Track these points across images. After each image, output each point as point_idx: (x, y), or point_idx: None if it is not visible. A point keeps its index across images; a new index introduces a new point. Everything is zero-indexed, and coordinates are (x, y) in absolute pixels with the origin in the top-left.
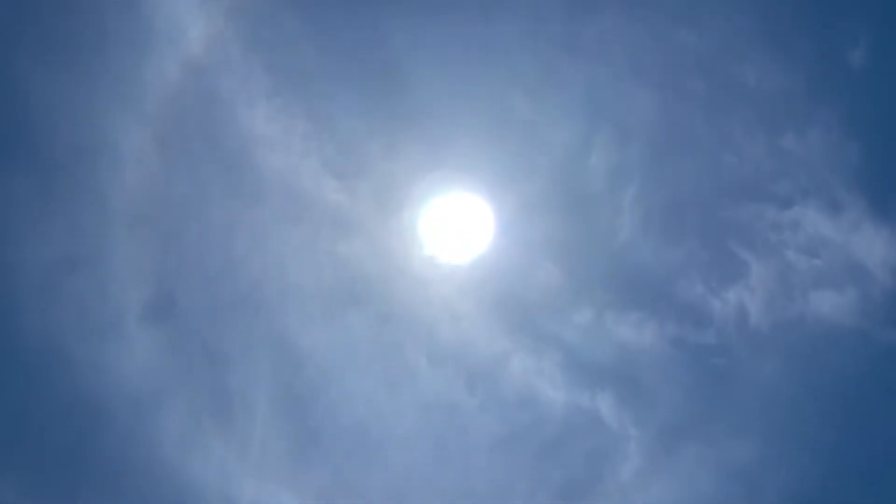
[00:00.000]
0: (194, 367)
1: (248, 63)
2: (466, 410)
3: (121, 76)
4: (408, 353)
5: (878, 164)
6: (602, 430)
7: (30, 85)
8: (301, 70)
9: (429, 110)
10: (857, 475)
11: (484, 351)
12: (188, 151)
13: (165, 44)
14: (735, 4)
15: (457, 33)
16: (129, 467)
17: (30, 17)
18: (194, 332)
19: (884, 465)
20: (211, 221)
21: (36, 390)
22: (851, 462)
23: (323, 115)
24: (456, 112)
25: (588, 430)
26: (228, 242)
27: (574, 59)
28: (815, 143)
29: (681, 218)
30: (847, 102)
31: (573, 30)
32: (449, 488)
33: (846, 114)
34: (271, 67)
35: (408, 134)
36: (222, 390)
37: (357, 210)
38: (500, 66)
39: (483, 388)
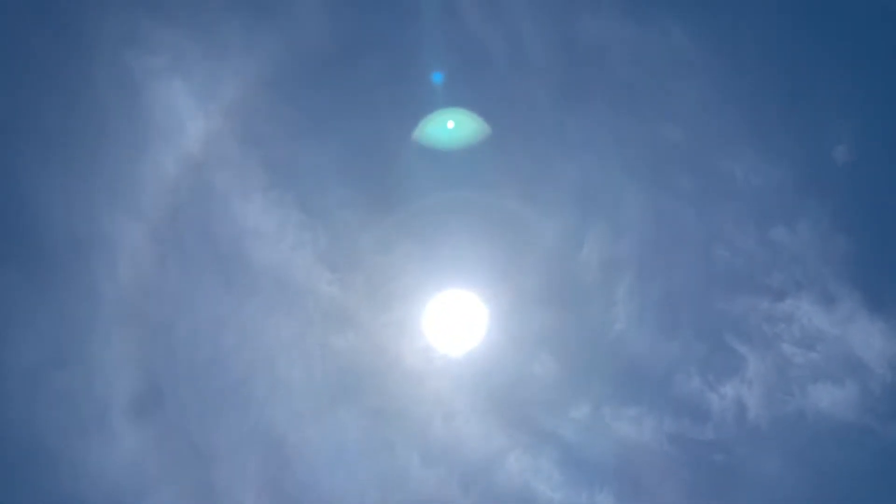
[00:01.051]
0: (180, 464)
1: (245, 158)
2: None
3: (118, 171)
4: (400, 450)
5: (868, 257)
6: None
7: (25, 178)
8: (297, 164)
9: (422, 204)
10: None
11: (478, 448)
12: (182, 245)
13: (164, 140)
14: (719, 102)
15: (452, 131)
16: None
17: (29, 111)
18: (181, 427)
19: None
20: (202, 315)
21: (19, 486)
22: None
23: (317, 207)
24: (449, 206)
25: None
26: (218, 336)
27: (563, 154)
28: (805, 237)
29: (675, 310)
30: (834, 196)
31: (562, 125)
32: None
33: (834, 207)
34: (268, 161)
35: (401, 227)
36: (208, 487)
37: (350, 303)
38: (491, 160)
39: (478, 488)
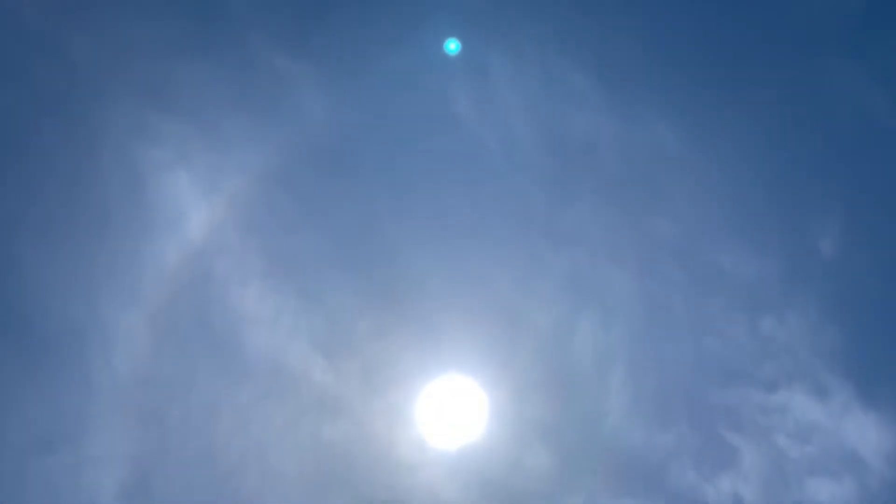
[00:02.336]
0: None
1: (244, 246)
2: None
3: (119, 259)
4: None
5: (858, 349)
6: None
7: (27, 264)
8: (294, 252)
9: (417, 293)
10: None
11: None
12: (178, 331)
13: (166, 228)
14: (706, 196)
15: (445, 220)
16: None
17: (36, 199)
18: None
19: None
20: (195, 402)
21: None
22: None
23: (313, 294)
24: (444, 294)
25: None
26: (211, 424)
27: (554, 246)
28: (794, 328)
29: (668, 401)
30: (821, 288)
31: (554, 218)
32: None
33: (821, 299)
34: (266, 250)
35: (396, 315)
36: None
37: (343, 391)
38: (486, 251)
39: None
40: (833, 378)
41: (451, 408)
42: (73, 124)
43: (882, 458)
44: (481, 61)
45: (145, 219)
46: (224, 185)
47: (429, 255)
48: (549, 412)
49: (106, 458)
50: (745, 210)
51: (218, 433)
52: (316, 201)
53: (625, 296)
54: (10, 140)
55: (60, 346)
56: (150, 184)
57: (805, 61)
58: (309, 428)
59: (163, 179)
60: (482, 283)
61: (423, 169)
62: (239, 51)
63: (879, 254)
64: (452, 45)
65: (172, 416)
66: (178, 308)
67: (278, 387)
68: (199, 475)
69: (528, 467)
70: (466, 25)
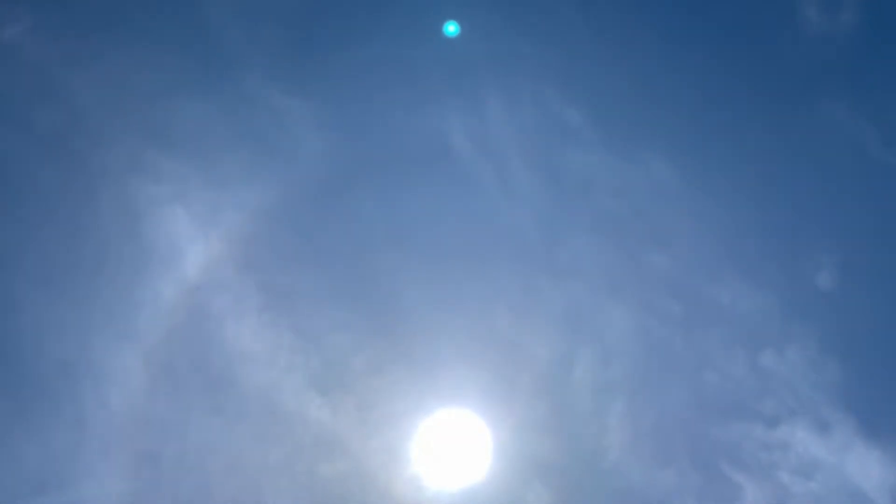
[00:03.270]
0: None
1: (242, 282)
2: None
3: (114, 297)
4: None
5: (859, 383)
6: None
7: (21, 302)
8: (291, 288)
9: (414, 328)
10: None
11: None
12: (173, 369)
13: (163, 265)
14: (702, 230)
15: (442, 255)
16: None
17: (31, 237)
18: None
19: None
20: (189, 442)
21: None
22: None
23: (309, 330)
24: (441, 330)
25: None
26: (205, 464)
27: (552, 281)
28: (794, 362)
29: (669, 437)
30: (820, 323)
31: (551, 253)
32: None
33: (821, 334)
34: (263, 286)
35: (393, 351)
36: None
37: (339, 428)
38: (482, 286)
39: None
40: (834, 412)
41: (448, 445)
42: (71, 163)
43: (886, 494)
44: (477, 97)
45: (142, 256)
46: (221, 222)
47: (426, 290)
48: (548, 449)
49: (99, 500)
50: (743, 245)
51: (213, 472)
52: (312, 238)
53: (623, 331)
54: (6, 179)
55: (54, 386)
56: (147, 221)
57: (799, 99)
58: (305, 466)
59: (160, 216)
60: (479, 319)
61: (420, 205)
62: (236, 88)
63: (877, 287)
64: (451, 28)
65: (167, 455)
66: (174, 346)
67: (274, 425)
68: None
69: None
70: (461, 62)
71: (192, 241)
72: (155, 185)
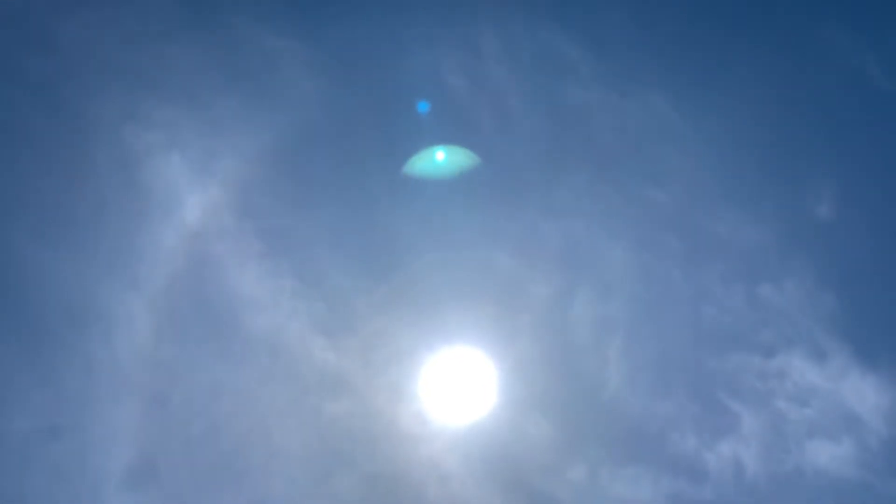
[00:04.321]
0: None
1: (241, 228)
2: None
3: (115, 244)
4: None
5: (856, 312)
6: None
7: (23, 251)
8: (291, 233)
9: (415, 269)
10: None
11: None
12: (178, 315)
13: (161, 213)
14: (702, 164)
15: (440, 195)
16: None
17: (28, 186)
18: (176, 499)
19: None
20: (197, 384)
21: None
22: None
23: (311, 273)
24: (441, 270)
25: None
26: (213, 405)
27: (550, 217)
28: (792, 293)
29: (667, 369)
30: (818, 253)
31: (548, 190)
32: None
33: (818, 264)
34: (263, 231)
35: (394, 292)
36: None
37: (344, 368)
38: (483, 224)
39: None
40: (831, 341)
41: (452, 382)
42: (63, 111)
43: (881, 418)
44: (472, 33)
45: (140, 203)
46: (218, 168)
47: (425, 231)
48: (549, 383)
49: (110, 442)
50: (741, 178)
51: (221, 414)
52: (310, 181)
53: (622, 267)
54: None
55: (60, 333)
56: (143, 168)
57: (799, 27)
58: (311, 406)
59: (156, 163)
60: (479, 258)
61: (416, 144)
62: (226, 31)
63: (876, 217)
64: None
65: (175, 398)
66: (177, 292)
67: (279, 366)
68: (203, 455)
69: (529, 438)
70: None
71: (189, 187)
72: (149, 132)
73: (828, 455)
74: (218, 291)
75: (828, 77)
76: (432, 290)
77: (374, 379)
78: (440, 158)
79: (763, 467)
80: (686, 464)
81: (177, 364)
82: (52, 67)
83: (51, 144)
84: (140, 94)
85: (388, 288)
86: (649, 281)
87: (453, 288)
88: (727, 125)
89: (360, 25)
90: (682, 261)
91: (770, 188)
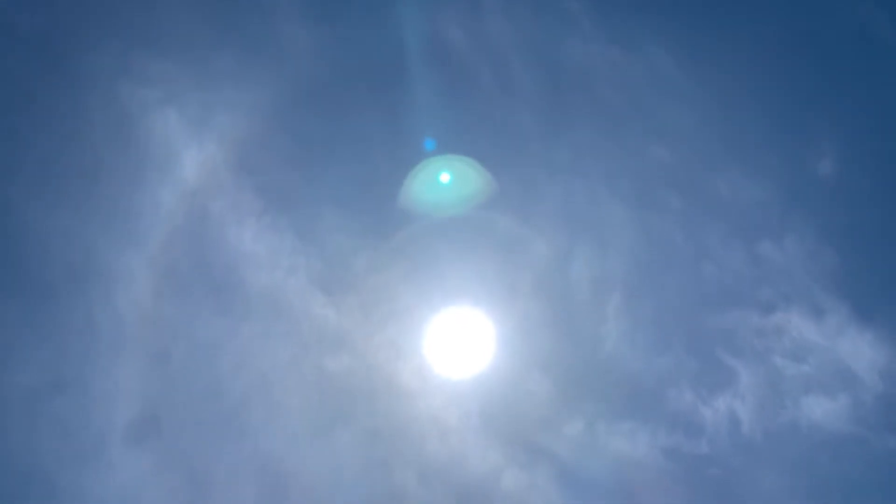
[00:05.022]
0: (179, 491)
1: (239, 185)
2: None
3: (114, 201)
4: (396, 470)
5: (855, 268)
6: None
7: (23, 210)
8: (289, 189)
9: (415, 227)
10: None
11: (475, 466)
12: (177, 272)
13: (159, 170)
14: (703, 121)
15: (440, 152)
16: None
17: (25, 145)
18: (178, 454)
19: None
20: (198, 341)
21: None
22: None
23: (310, 231)
24: (440, 227)
25: None
26: (215, 361)
27: (550, 176)
28: (791, 251)
29: (665, 326)
30: (819, 210)
31: (548, 148)
32: None
33: (819, 221)
34: (261, 188)
35: (393, 249)
36: None
37: (344, 325)
38: (481, 181)
39: None
40: (829, 298)
41: (452, 338)
42: (56, 67)
43: (876, 374)
44: None
45: (137, 159)
46: (215, 124)
47: (425, 188)
48: (548, 340)
49: (113, 397)
50: (743, 134)
51: (222, 370)
52: (308, 137)
53: (622, 225)
54: None
55: (61, 290)
56: (139, 125)
57: None
58: (311, 362)
59: (152, 120)
60: (477, 215)
61: (416, 99)
62: None
63: (877, 174)
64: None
65: (176, 354)
66: (176, 249)
67: (279, 323)
68: (205, 411)
69: (527, 393)
70: None
71: (186, 144)
72: (144, 88)
73: (823, 410)
74: (217, 248)
75: (832, 33)
76: (432, 248)
77: (375, 335)
78: (445, 181)
79: (759, 422)
80: (683, 418)
81: (177, 320)
82: (43, 22)
83: (45, 101)
84: (133, 49)
85: (388, 245)
86: (649, 239)
87: (453, 246)
88: (730, 81)
89: None
90: (683, 218)
91: (772, 145)
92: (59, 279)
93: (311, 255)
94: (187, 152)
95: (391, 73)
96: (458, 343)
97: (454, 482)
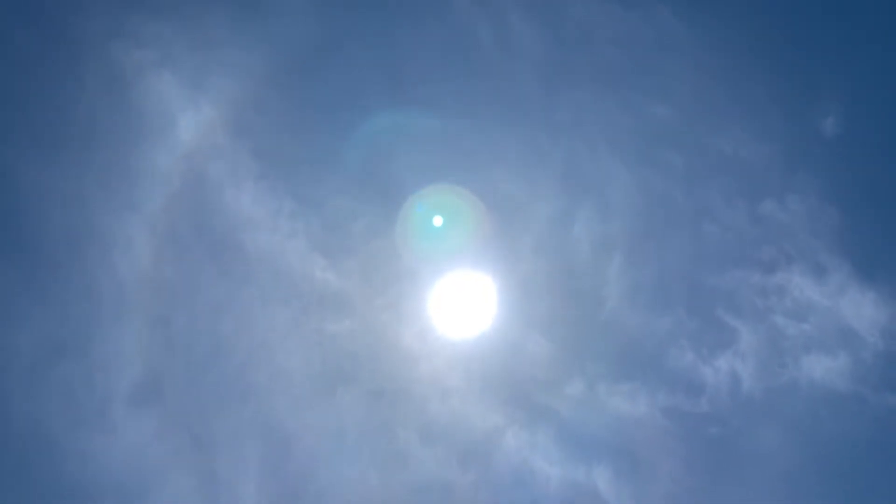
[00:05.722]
0: (182, 453)
1: (236, 148)
2: (460, 489)
3: (111, 165)
4: (399, 431)
5: (857, 228)
6: None
7: (22, 176)
8: (287, 153)
9: (413, 188)
10: None
11: (476, 426)
12: (177, 236)
13: (156, 133)
14: (707, 80)
15: (440, 113)
16: None
17: (19, 108)
18: (181, 417)
19: None
20: (199, 305)
21: (22, 477)
22: None
23: (309, 195)
24: (442, 190)
25: None
26: (216, 325)
27: (551, 136)
28: (794, 210)
29: (666, 287)
30: (822, 169)
31: (549, 107)
32: None
33: (822, 180)
34: (258, 152)
35: (393, 212)
36: (210, 476)
37: (345, 288)
38: (483, 143)
39: (477, 465)
40: (832, 258)
41: (453, 301)
42: (52, 31)
43: (877, 333)
44: None
45: (133, 123)
46: (210, 86)
47: (425, 150)
48: (547, 301)
49: (116, 361)
50: (747, 93)
51: (224, 334)
52: (305, 100)
53: (623, 185)
54: None
55: (61, 256)
56: (134, 87)
57: None
58: (313, 325)
59: (147, 82)
60: (479, 176)
61: (417, 61)
62: None
63: (882, 132)
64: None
65: (178, 319)
66: (175, 213)
67: (280, 287)
68: (208, 374)
69: (528, 355)
70: None
71: (182, 106)
72: (139, 49)
73: (823, 369)
74: (215, 212)
75: None
76: (431, 211)
77: (376, 298)
78: (438, 224)
79: (759, 381)
80: (683, 378)
81: (178, 285)
82: None
83: (38, 63)
84: (127, 10)
85: (388, 208)
86: (650, 199)
87: (453, 209)
88: (733, 38)
89: None
90: (685, 178)
91: (776, 103)
92: (59, 244)
93: (311, 219)
94: (183, 115)
95: (388, 33)
96: (459, 305)
97: (456, 442)
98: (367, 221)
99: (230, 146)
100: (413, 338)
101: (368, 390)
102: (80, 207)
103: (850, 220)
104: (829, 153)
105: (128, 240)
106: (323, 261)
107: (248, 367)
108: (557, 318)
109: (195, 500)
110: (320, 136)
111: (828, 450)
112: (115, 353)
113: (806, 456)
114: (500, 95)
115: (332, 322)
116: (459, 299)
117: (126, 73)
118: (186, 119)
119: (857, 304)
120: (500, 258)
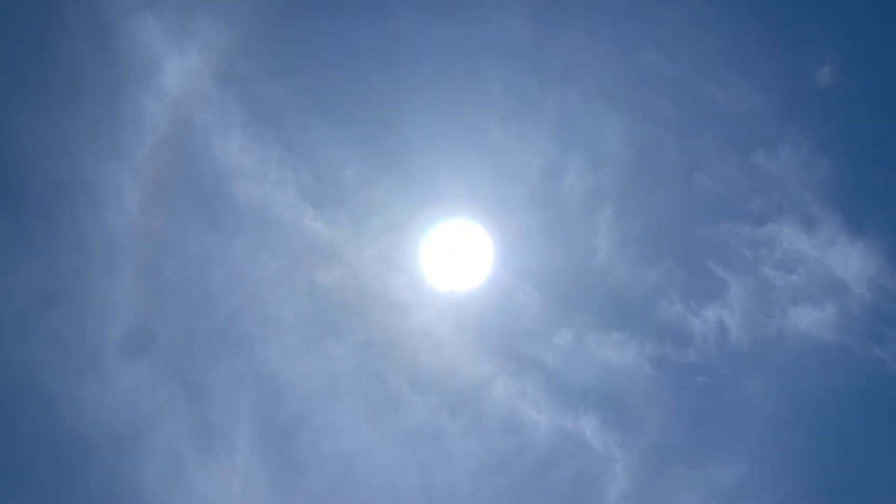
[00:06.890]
0: (174, 401)
1: (222, 96)
2: (450, 436)
3: (96, 113)
4: (390, 380)
5: (849, 179)
6: (587, 453)
7: (7, 123)
8: (274, 101)
9: (405, 139)
10: (842, 489)
11: (466, 375)
12: (164, 185)
13: (140, 80)
14: (701, 27)
15: (430, 60)
16: (110, 503)
17: (2, 57)
18: (174, 365)
19: (867, 479)
20: (188, 254)
21: (14, 426)
22: (836, 476)
23: (297, 144)
24: (432, 140)
25: (573, 453)
26: (206, 275)
27: (545, 84)
28: (786, 161)
29: (656, 238)
30: (816, 120)
31: (541, 53)
32: None
33: (816, 131)
34: (245, 99)
35: (383, 161)
36: (203, 424)
37: (335, 238)
38: (473, 92)
39: (466, 413)
40: (822, 209)
41: (444, 251)
42: None
43: (864, 284)
44: None
45: (117, 69)
46: (196, 30)
47: (416, 99)
48: (537, 252)
49: (106, 310)
50: (742, 41)
51: (213, 283)
52: (295, 46)
53: (615, 136)
54: None
55: (49, 206)
56: (118, 33)
57: None
58: (303, 276)
59: (131, 27)
60: (469, 126)
61: (408, 9)
62: None
63: (877, 83)
64: None
65: (168, 268)
66: (162, 163)
67: (269, 237)
68: (198, 324)
69: (517, 305)
70: None
71: (167, 52)
72: None
73: (810, 320)
74: (203, 161)
75: None
76: (423, 161)
77: (366, 249)
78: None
79: (746, 332)
80: (671, 329)
81: (167, 234)
82: None
83: (16, 8)
84: None
85: (378, 158)
86: (642, 150)
87: (445, 158)
88: None
89: None
90: (677, 128)
91: (771, 52)
92: (44, 193)
93: (300, 168)
94: (168, 61)
95: None
96: (450, 256)
97: (446, 390)
98: (357, 170)
99: (216, 93)
100: (404, 288)
101: (359, 340)
102: (67, 157)
103: (841, 171)
104: (823, 103)
105: (116, 189)
106: (312, 210)
107: (238, 317)
108: (548, 269)
109: (188, 447)
110: (309, 82)
111: (813, 400)
112: (105, 301)
113: (791, 405)
114: (491, 43)
115: (323, 272)
116: (450, 250)
117: (109, 16)
118: (172, 65)
119: (846, 256)
120: (492, 208)
